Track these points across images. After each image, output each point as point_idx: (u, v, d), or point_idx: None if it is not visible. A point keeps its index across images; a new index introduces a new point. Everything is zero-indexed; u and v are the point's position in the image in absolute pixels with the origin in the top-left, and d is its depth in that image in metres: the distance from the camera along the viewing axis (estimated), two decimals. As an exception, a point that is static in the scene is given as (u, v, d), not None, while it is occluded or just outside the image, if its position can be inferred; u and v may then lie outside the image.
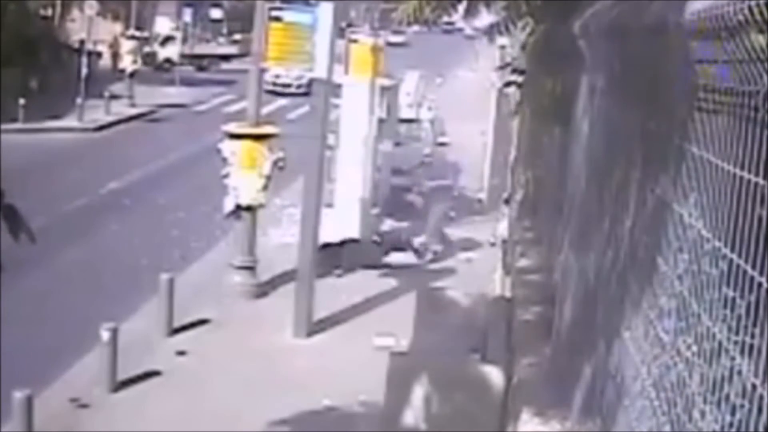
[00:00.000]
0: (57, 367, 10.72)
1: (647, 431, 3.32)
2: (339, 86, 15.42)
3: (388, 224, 18.12)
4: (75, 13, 38.16)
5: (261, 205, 14.00)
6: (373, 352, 10.97)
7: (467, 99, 30.80)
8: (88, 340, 10.74)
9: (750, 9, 2.16)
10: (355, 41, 17.23)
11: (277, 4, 13.67)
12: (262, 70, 14.74)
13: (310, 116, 13.25)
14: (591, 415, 4.66)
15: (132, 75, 34.51)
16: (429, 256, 16.16)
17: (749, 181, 2.36)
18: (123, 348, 10.51)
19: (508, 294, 12.00)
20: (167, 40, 47.93)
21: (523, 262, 11.34)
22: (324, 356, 11.54)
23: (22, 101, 27.04)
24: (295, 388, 10.37)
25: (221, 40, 56.03)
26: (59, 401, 9.95)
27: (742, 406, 2.27)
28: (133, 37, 39.98)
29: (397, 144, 19.74)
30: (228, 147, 13.80)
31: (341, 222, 15.65)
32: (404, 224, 18.29)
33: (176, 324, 12.20)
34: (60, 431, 9.33)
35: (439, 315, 12.00)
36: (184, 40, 48.76)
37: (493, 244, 16.60)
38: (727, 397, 2.39)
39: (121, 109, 31.90)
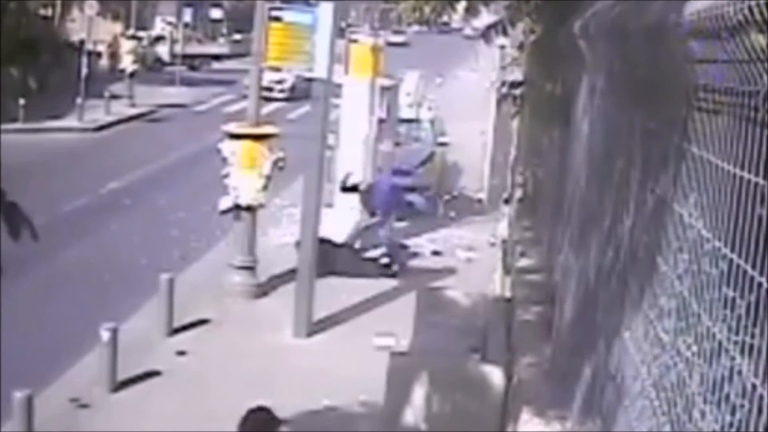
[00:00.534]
0: (57, 367, 10.71)
1: (647, 431, 3.32)
2: (339, 86, 15.42)
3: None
4: (75, 13, 38.13)
5: (261, 205, 14.00)
6: (373, 352, 10.97)
7: (467, 99, 30.80)
8: (88, 340, 10.73)
9: (750, 9, 2.16)
10: (355, 41, 17.25)
11: (277, 4, 13.67)
12: (263, 70, 14.73)
13: (310, 116, 13.25)
14: (591, 415, 4.66)
15: (132, 75, 34.50)
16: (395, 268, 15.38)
17: (749, 181, 2.36)
18: (123, 348, 10.51)
19: (508, 294, 12.02)
20: (158, 39, 47.94)
21: (523, 262, 11.34)
22: (324, 356, 11.54)
23: (22, 101, 27.03)
24: (295, 388, 10.37)
25: (221, 40, 56.03)
26: (59, 401, 9.95)
27: (742, 406, 2.27)
28: (133, 37, 39.98)
29: (397, 144, 19.73)
30: (228, 147, 13.80)
31: (341, 222, 15.66)
32: (404, 224, 18.29)
33: (176, 324, 12.20)
34: (60, 431, 9.33)
35: (439, 315, 11.99)
36: (175, 41, 48.78)
37: (493, 244, 16.60)
38: (727, 397, 2.39)
39: (121, 109, 31.89)
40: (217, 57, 50.11)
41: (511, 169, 18.21)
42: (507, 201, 17.51)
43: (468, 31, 55.03)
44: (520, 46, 13.24)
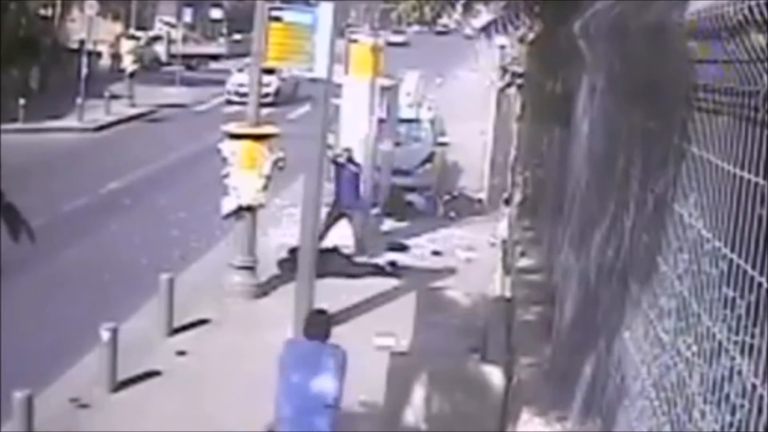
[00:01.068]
0: (57, 367, 10.71)
1: (647, 431, 3.32)
2: (339, 86, 15.42)
3: (388, 224, 18.12)
4: (75, 13, 38.15)
5: (261, 205, 14.00)
6: (373, 352, 10.97)
7: (467, 99, 30.79)
8: (88, 340, 10.73)
9: (750, 9, 2.16)
10: (355, 41, 17.25)
11: (277, 4, 13.65)
12: (264, 71, 14.73)
13: (310, 116, 13.24)
14: (591, 415, 4.66)
15: (132, 75, 34.49)
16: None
17: (749, 181, 2.36)
18: (123, 348, 10.50)
19: (508, 294, 12.02)
20: (155, 39, 47.94)
21: (523, 262, 11.35)
22: (324, 356, 11.52)
23: (22, 101, 27.03)
24: (295, 388, 10.36)
25: (221, 40, 56.03)
26: (59, 401, 9.94)
27: (742, 406, 2.27)
28: (133, 37, 39.97)
29: (397, 144, 19.73)
30: (228, 147, 13.80)
31: (341, 222, 15.67)
32: (404, 224, 18.30)
33: (176, 324, 12.20)
34: (60, 431, 9.33)
35: (439, 315, 12.00)
36: (172, 41, 48.81)
37: (493, 244, 16.60)
38: (727, 397, 2.39)
39: (121, 109, 31.88)
40: (214, 57, 50.07)
41: (511, 169, 18.22)
42: (507, 202, 17.52)
43: (468, 31, 55.06)
44: (521, 41, 13.23)
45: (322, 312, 8.37)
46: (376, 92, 16.55)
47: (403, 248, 16.48)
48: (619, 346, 4.05)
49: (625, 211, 4.27)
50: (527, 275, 10.45)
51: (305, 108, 17.81)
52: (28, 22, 32.68)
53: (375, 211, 17.20)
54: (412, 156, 20.51)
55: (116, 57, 38.27)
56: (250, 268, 13.89)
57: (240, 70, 36.02)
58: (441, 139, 22.62)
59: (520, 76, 12.73)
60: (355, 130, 16.13)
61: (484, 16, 11.65)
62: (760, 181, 2.28)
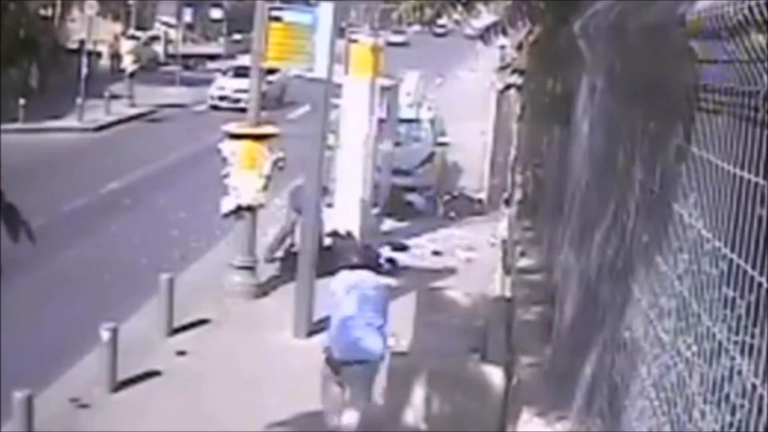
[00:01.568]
0: (57, 367, 10.71)
1: (647, 431, 3.32)
2: (339, 86, 15.41)
3: (388, 224, 18.13)
4: (75, 13, 38.16)
5: (261, 205, 14.00)
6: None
7: (467, 99, 30.81)
8: (88, 340, 10.73)
9: (750, 9, 2.16)
10: (355, 41, 17.23)
11: (277, 4, 13.65)
12: (268, 71, 14.72)
13: (310, 116, 13.24)
14: (591, 415, 4.66)
15: (132, 75, 34.50)
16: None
17: (749, 181, 2.36)
18: (123, 348, 10.50)
19: (508, 294, 12.02)
20: (153, 39, 47.93)
21: (523, 262, 11.35)
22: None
23: (22, 101, 27.03)
24: (295, 388, 10.36)
25: (221, 40, 56.04)
26: (59, 401, 9.94)
27: (742, 406, 2.27)
28: (133, 37, 39.98)
29: (397, 144, 19.73)
30: (228, 147, 13.80)
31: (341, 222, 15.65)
32: (404, 224, 18.30)
33: (176, 324, 12.20)
34: (60, 431, 9.33)
35: (439, 315, 12.00)
36: (169, 41, 48.78)
37: (493, 244, 16.61)
38: (727, 397, 2.39)
39: (121, 109, 31.88)
40: (212, 57, 50.01)
41: (511, 169, 18.22)
42: (507, 202, 17.52)
43: (468, 31, 55.05)
44: (520, 46, 13.23)
45: (369, 247, 10.29)
46: (376, 92, 16.55)
47: (403, 248, 16.48)
48: (619, 346, 4.05)
49: (625, 211, 4.27)
50: (527, 275, 10.45)
51: (305, 108, 17.78)
52: (28, 22, 32.66)
53: (375, 211, 17.20)
54: (412, 156, 20.51)
55: (116, 57, 38.27)
56: (250, 268, 13.89)
57: (224, 74, 35.57)
58: (441, 139, 22.62)
59: (521, 72, 12.71)
60: (355, 130, 16.12)
61: (484, 16, 11.63)
62: (760, 181, 2.28)
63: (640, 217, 3.93)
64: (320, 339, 12.31)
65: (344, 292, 8.73)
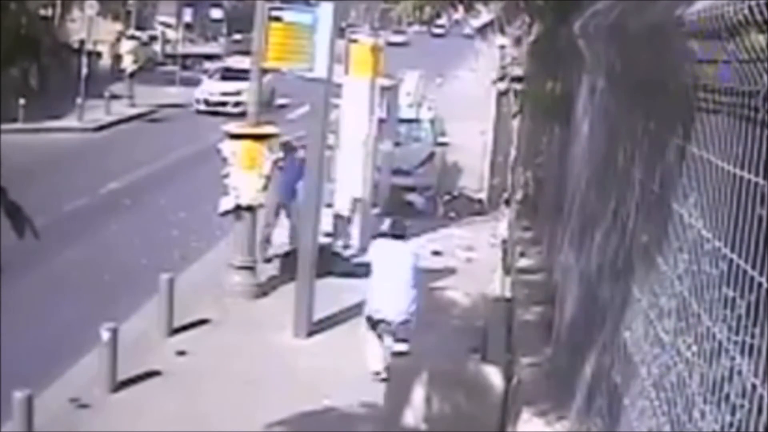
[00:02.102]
0: (57, 367, 10.71)
1: (647, 431, 3.32)
2: (339, 86, 15.41)
3: (388, 224, 18.10)
4: (75, 13, 38.13)
5: (261, 205, 14.01)
6: (373, 352, 10.97)
7: (467, 99, 30.79)
8: (88, 340, 10.73)
9: (750, 9, 2.16)
10: (355, 41, 17.22)
11: (277, 4, 13.65)
12: (264, 71, 14.72)
13: (310, 116, 13.24)
14: (591, 415, 4.66)
15: (132, 75, 34.49)
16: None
17: (749, 181, 2.36)
18: (123, 348, 10.51)
19: (508, 294, 12.01)
20: (152, 39, 47.93)
21: (523, 262, 11.34)
22: (324, 356, 11.53)
23: (22, 101, 27.03)
24: (295, 388, 10.37)
25: (221, 40, 56.04)
26: (59, 401, 9.94)
27: (742, 406, 2.27)
28: (133, 37, 39.96)
29: (397, 144, 19.72)
30: (228, 147, 13.80)
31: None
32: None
33: (176, 324, 12.20)
34: (60, 431, 9.33)
35: (439, 315, 12.00)
36: (167, 41, 48.72)
37: (493, 245, 16.60)
38: (727, 397, 2.39)
39: (121, 109, 31.88)
40: (209, 57, 49.94)
41: (511, 169, 18.22)
42: (507, 202, 17.52)
43: (467, 31, 55.03)
44: (518, 41, 13.24)
45: (399, 220, 11.64)
46: (376, 92, 16.54)
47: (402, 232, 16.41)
48: (619, 346, 4.05)
49: (625, 211, 4.27)
50: (527, 275, 10.45)
51: (305, 108, 17.77)
52: (28, 22, 32.61)
53: (375, 211, 17.19)
54: (412, 156, 20.50)
55: (116, 57, 38.27)
56: (250, 268, 13.88)
57: (210, 77, 35.02)
58: (441, 139, 22.61)
59: (520, 80, 12.74)
60: (355, 130, 16.11)
61: (484, 16, 11.64)
62: (760, 181, 2.28)
63: (640, 217, 3.93)
64: (320, 339, 12.37)
65: (381, 256, 10.56)
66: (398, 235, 10.93)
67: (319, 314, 12.62)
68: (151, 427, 9.37)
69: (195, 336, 12.14)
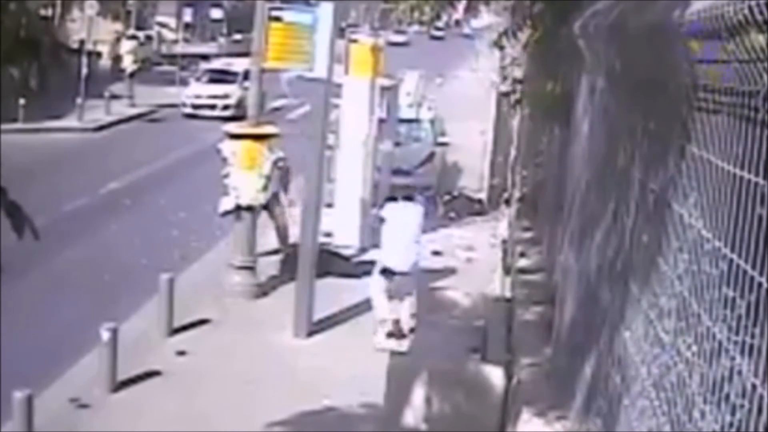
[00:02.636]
0: (57, 367, 10.71)
1: (647, 431, 3.32)
2: (339, 86, 15.41)
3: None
4: (75, 13, 38.16)
5: (261, 205, 14.01)
6: (373, 352, 10.98)
7: (467, 99, 30.77)
8: (88, 340, 10.73)
9: (750, 9, 2.16)
10: (355, 41, 17.21)
11: (277, 4, 13.65)
12: (263, 70, 14.72)
13: (310, 116, 13.24)
14: (591, 415, 4.66)
15: (132, 75, 34.50)
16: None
17: (749, 181, 2.36)
18: (123, 348, 10.51)
19: (508, 294, 12.01)
20: (148, 39, 47.95)
21: (523, 262, 11.34)
22: (324, 356, 11.54)
23: (22, 101, 27.03)
24: (295, 388, 10.37)
25: (221, 40, 56.04)
26: (59, 401, 9.95)
27: (742, 406, 2.27)
28: (133, 37, 39.98)
29: (397, 144, 19.71)
30: (228, 147, 13.80)
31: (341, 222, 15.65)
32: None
33: (176, 324, 12.20)
34: (60, 431, 9.33)
35: (439, 315, 11.99)
36: (163, 40, 48.70)
37: (493, 245, 16.60)
38: (727, 397, 2.39)
39: (121, 109, 31.89)
40: (206, 57, 49.89)
41: (511, 169, 18.21)
42: (507, 202, 17.51)
43: (467, 31, 55.00)
44: (526, 46, 13.22)
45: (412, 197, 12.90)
46: (376, 92, 16.54)
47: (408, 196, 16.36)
48: (619, 346, 4.05)
49: (625, 211, 4.27)
50: (527, 275, 10.45)
51: (305, 108, 17.77)
52: (28, 22, 32.66)
53: (375, 211, 17.19)
54: (412, 156, 20.49)
55: (116, 57, 38.29)
56: (250, 268, 13.89)
57: (198, 79, 34.61)
58: (441, 139, 22.59)
59: (520, 82, 12.73)
60: (355, 130, 16.11)
61: (484, 16, 11.64)
62: (760, 181, 2.28)
63: (640, 217, 3.93)
64: (320, 339, 12.38)
65: (391, 216, 11.84)
66: (408, 197, 12.44)
67: (319, 314, 12.63)
68: (151, 427, 9.38)
69: (195, 336, 12.14)
